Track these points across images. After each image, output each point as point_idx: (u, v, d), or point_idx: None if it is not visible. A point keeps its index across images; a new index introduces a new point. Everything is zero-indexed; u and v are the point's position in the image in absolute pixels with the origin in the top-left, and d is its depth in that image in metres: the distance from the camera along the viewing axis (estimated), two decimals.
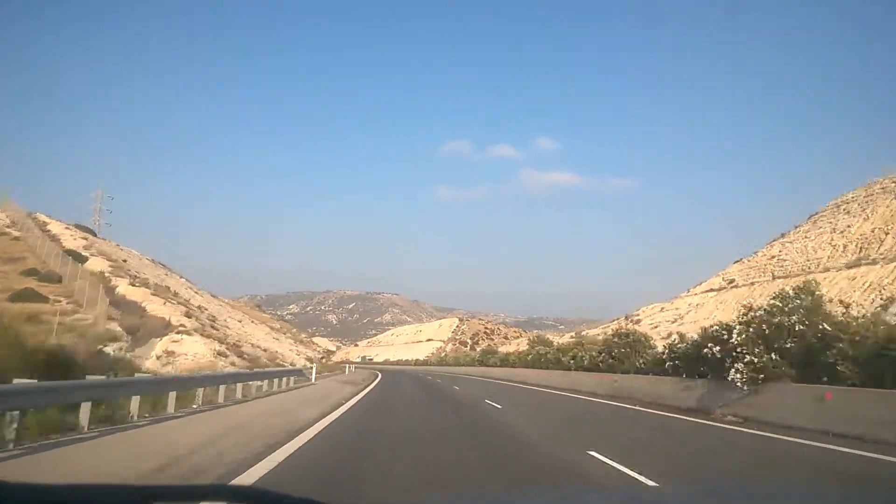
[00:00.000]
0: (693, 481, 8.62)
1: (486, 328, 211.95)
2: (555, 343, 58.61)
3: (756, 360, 16.20)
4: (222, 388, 20.20)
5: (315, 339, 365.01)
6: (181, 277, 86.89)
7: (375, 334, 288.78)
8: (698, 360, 19.74)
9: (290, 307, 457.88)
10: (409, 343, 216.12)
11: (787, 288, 18.38)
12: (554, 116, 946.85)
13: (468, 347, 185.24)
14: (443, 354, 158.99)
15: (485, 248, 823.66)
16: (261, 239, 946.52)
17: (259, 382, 26.36)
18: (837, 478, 9.43)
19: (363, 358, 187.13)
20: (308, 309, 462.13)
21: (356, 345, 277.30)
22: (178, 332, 41.28)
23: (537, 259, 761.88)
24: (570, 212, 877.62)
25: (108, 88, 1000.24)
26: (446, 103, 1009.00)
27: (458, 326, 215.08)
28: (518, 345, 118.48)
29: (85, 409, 11.83)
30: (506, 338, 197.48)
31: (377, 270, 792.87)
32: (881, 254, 45.62)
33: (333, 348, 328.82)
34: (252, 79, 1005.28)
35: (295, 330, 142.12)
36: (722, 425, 16.37)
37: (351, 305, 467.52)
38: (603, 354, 32.73)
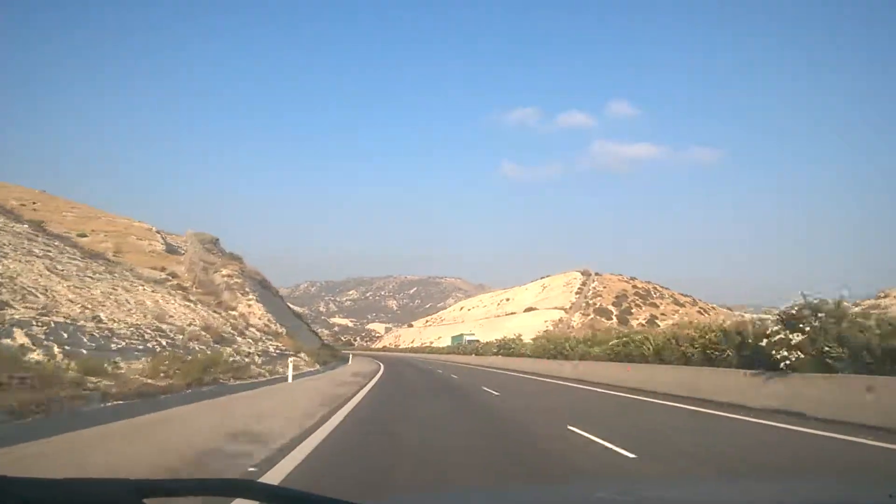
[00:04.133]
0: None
1: (636, 288, 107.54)
2: None
3: None
4: None
5: (372, 326, 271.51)
6: None
7: (435, 312, 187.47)
8: None
9: (350, 293, 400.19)
10: (491, 318, 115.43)
11: None
12: (631, 76, 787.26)
13: (612, 320, 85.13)
14: (569, 333, 55.18)
15: (554, 228, 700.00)
16: (319, 224, 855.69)
17: None
18: None
19: (455, 339, 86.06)
20: (368, 295, 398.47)
21: (411, 325, 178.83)
22: None
23: (612, 240, 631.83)
24: (649, 187, 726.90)
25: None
26: (510, 66, 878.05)
27: (583, 285, 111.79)
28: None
29: None
30: (678, 304, 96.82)
31: (439, 254, 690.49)
32: None
33: (382, 331, 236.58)
34: (296, 49, 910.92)
35: (226, 271, 41.07)
36: None
37: (412, 290, 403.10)
38: None
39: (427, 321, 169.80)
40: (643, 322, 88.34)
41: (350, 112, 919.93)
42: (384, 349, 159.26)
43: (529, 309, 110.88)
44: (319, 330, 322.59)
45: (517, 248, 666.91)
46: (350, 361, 59.24)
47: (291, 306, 75.77)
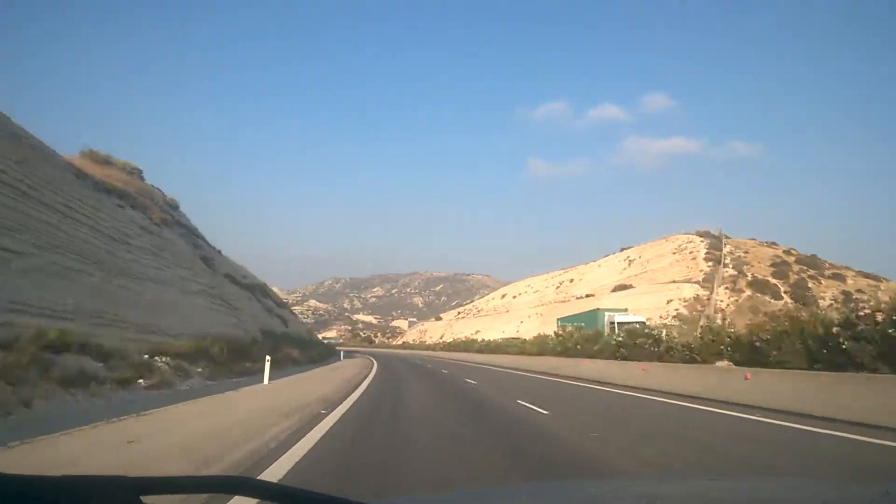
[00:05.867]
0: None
1: (791, 255, 68.98)
2: None
3: None
4: None
5: (396, 323, 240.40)
6: None
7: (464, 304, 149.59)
8: None
9: (375, 290, 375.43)
10: (553, 305, 77.44)
11: None
12: (668, 65, 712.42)
13: (782, 298, 46.69)
14: (723, 324, 16.35)
15: (585, 228, 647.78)
16: (344, 221, 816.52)
17: None
18: None
19: (579, 320, 37.70)
20: (393, 291, 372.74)
21: (439, 318, 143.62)
22: None
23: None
24: (686, 184, 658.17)
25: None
26: (540, 56, 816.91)
27: (713, 250, 73.17)
28: None
29: None
30: (869, 278, 57.97)
31: (466, 251, 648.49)
32: None
33: (405, 326, 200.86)
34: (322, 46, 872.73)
35: None
36: None
37: (438, 287, 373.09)
38: None
39: (459, 313, 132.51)
40: (834, 301, 51.01)
41: (376, 110, 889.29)
42: (404, 345, 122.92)
43: (621, 287, 72.24)
44: (341, 326, 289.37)
45: (545, 245, 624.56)
46: (267, 380, 21.01)
47: (229, 261, 40.61)
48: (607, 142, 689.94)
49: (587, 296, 74.13)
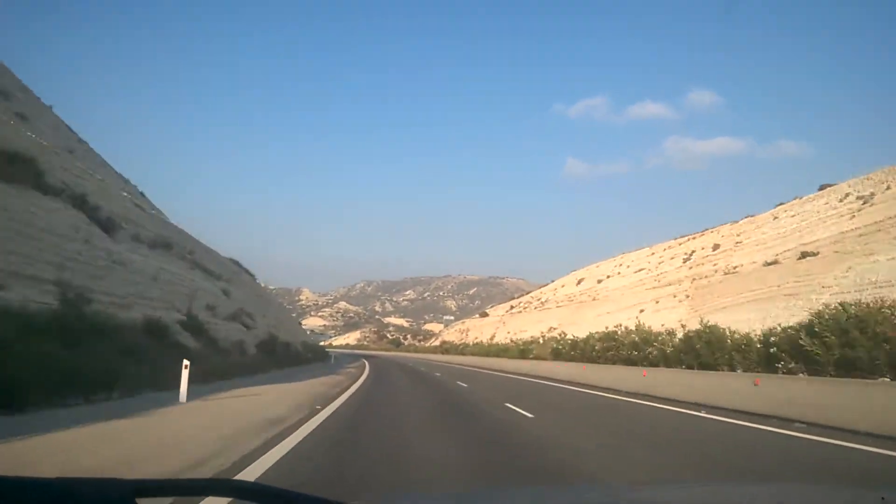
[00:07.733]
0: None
1: None
2: None
3: None
4: None
5: (429, 326, 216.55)
6: None
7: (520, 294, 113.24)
8: None
9: (407, 293, 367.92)
10: (703, 281, 40.30)
11: None
12: (715, 60, 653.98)
13: None
14: None
15: (624, 230, 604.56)
16: (376, 224, 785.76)
17: None
18: None
19: None
20: (426, 295, 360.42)
21: (485, 315, 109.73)
22: None
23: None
24: (734, 187, 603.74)
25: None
26: (577, 52, 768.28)
27: None
28: None
29: None
30: None
31: (500, 254, 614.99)
32: None
33: (438, 328, 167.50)
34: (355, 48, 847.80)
35: None
36: None
37: (472, 291, 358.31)
38: None
39: (512, 307, 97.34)
40: None
41: (407, 110, 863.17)
42: (443, 346, 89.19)
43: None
44: (370, 329, 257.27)
45: (578, 249, 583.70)
46: None
47: None
48: (650, 140, 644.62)
49: (803, 256, 37.68)
